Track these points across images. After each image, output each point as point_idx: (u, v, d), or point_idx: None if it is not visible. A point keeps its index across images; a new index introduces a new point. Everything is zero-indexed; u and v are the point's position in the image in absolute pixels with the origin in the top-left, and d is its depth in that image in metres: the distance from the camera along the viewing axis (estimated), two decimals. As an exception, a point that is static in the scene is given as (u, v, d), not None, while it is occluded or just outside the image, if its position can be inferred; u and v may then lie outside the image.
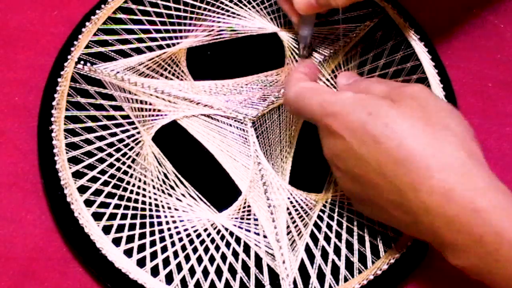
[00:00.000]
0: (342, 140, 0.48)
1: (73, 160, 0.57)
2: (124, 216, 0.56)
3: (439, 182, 0.45)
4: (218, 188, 0.58)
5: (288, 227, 0.57)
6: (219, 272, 0.55)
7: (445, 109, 0.48)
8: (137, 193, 0.57)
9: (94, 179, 0.57)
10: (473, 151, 0.46)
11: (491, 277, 0.45)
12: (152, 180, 0.58)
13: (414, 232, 0.49)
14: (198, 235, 0.56)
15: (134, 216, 0.56)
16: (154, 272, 0.54)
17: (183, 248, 0.55)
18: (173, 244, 0.55)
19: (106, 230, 0.55)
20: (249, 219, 0.57)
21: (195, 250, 0.55)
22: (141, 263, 0.54)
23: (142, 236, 0.55)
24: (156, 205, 0.57)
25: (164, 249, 0.55)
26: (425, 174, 0.45)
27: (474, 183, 0.45)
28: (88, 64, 0.61)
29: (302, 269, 0.55)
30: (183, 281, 0.54)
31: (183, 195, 0.57)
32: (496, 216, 0.44)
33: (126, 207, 0.56)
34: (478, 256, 0.45)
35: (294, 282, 0.55)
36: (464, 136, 0.47)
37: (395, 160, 0.46)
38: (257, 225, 0.57)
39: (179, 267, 0.54)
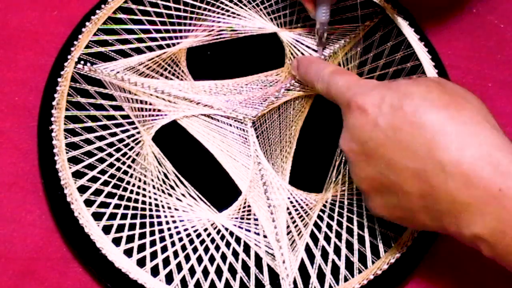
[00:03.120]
0: (360, 114, 0.49)
1: (73, 160, 0.57)
2: (124, 216, 0.56)
3: (454, 139, 0.44)
4: (218, 188, 0.58)
5: (288, 227, 0.57)
6: (219, 272, 0.55)
7: (461, 89, 0.49)
8: (137, 193, 0.57)
9: (94, 179, 0.57)
10: (487, 118, 0.47)
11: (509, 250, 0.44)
12: (152, 180, 0.58)
13: (430, 209, 0.47)
14: (198, 235, 0.56)
15: (134, 216, 0.56)
16: (154, 272, 0.54)
17: (183, 248, 0.55)
18: (173, 244, 0.55)
19: (106, 230, 0.55)
20: (249, 219, 0.57)
21: (195, 250, 0.55)
22: (141, 263, 0.54)
23: (142, 236, 0.55)
24: (156, 205, 0.57)
25: (164, 249, 0.55)
26: (440, 132, 0.45)
27: (489, 140, 0.44)
28: (88, 64, 0.61)
29: (302, 269, 0.55)
30: (183, 281, 0.54)
31: (183, 195, 0.57)
32: None
33: (126, 207, 0.56)
34: (496, 216, 0.43)
35: (294, 282, 0.55)
36: (478, 106, 0.47)
37: (411, 123, 0.46)
38: (257, 225, 0.57)
39: (179, 267, 0.54)
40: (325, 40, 0.62)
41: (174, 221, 0.56)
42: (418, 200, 0.47)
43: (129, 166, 0.58)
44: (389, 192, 0.48)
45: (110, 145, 0.58)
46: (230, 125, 0.60)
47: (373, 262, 0.56)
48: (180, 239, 0.56)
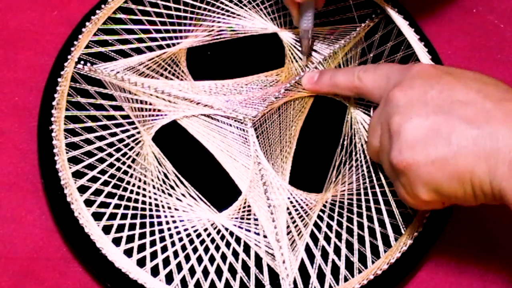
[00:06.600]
0: (422, 72, 0.51)
1: (73, 160, 0.57)
2: (124, 216, 0.56)
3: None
4: (218, 188, 0.58)
5: (288, 227, 0.57)
6: (219, 272, 0.55)
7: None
8: (137, 193, 0.57)
9: (94, 179, 0.57)
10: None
11: None
12: (152, 180, 0.58)
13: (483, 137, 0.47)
14: (198, 235, 0.56)
15: (134, 216, 0.56)
16: (154, 272, 0.54)
17: (183, 248, 0.55)
18: (173, 244, 0.55)
19: (106, 230, 0.55)
20: (249, 219, 0.57)
21: (195, 250, 0.55)
22: (141, 263, 0.54)
23: (142, 236, 0.55)
24: (156, 205, 0.57)
25: (164, 249, 0.55)
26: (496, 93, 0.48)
27: None
28: (88, 64, 0.61)
29: (302, 269, 0.55)
30: (183, 281, 0.54)
31: (183, 195, 0.57)
32: None
33: (126, 207, 0.56)
34: None
35: (294, 282, 0.55)
36: None
37: (476, 77, 0.50)
38: (257, 225, 0.57)
39: (179, 267, 0.54)
40: (309, 48, 0.62)
41: (174, 221, 0.56)
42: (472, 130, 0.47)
43: (129, 166, 0.58)
44: (440, 134, 0.48)
45: (110, 145, 0.58)
46: (230, 125, 0.60)
47: (373, 262, 0.56)
48: (180, 239, 0.56)
